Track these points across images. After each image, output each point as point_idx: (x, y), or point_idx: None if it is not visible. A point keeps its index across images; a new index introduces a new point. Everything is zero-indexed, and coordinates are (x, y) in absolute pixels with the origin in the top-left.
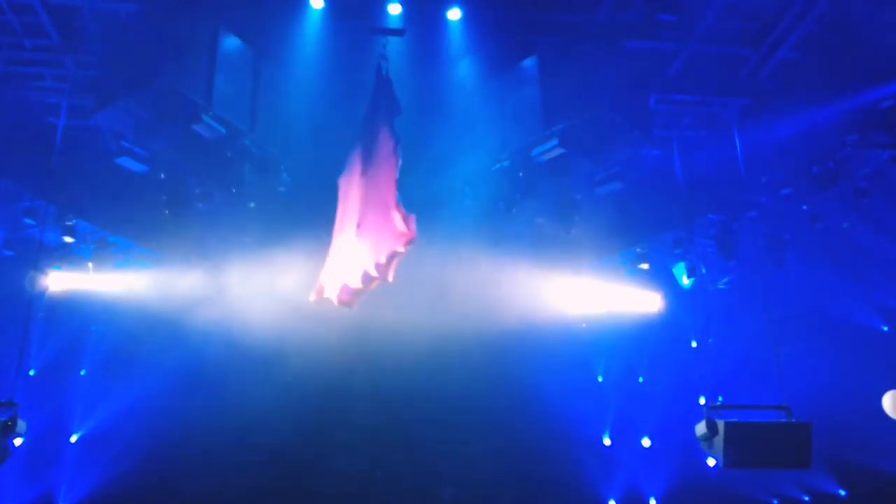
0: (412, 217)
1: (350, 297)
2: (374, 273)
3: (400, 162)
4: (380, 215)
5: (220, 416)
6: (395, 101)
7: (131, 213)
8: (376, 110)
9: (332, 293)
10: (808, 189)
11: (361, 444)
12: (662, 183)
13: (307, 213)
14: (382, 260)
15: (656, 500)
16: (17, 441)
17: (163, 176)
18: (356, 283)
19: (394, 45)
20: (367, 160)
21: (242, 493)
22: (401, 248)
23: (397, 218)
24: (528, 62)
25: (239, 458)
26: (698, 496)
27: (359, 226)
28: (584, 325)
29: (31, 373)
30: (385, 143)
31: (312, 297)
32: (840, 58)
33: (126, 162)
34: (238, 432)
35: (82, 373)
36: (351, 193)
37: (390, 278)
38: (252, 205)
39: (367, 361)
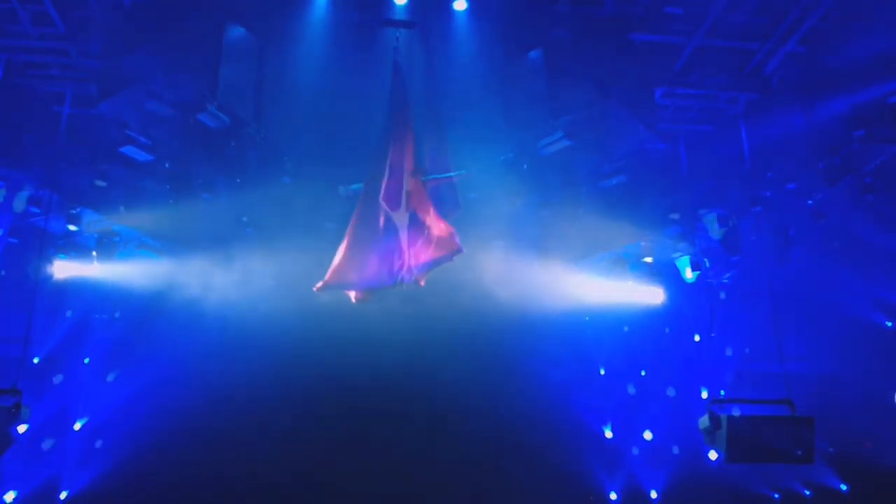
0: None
1: (369, 295)
2: (408, 276)
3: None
4: (425, 221)
5: (223, 405)
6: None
7: (135, 202)
8: (398, 103)
9: (350, 288)
10: (814, 184)
11: (364, 437)
12: (667, 177)
13: (311, 203)
14: (420, 264)
15: (657, 492)
16: (21, 428)
17: (167, 165)
18: (383, 283)
19: (400, 35)
20: (399, 159)
21: (246, 481)
22: (447, 257)
23: (446, 229)
24: (535, 54)
25: (243, 447)
26: (700, 489)
27: (407, 228)
28: (587, 317)
29: (35, 360)
30: (408, 141)
31: (317, 286)
32: (847, 52)
33: (130, 151)
34: (241, 421)
35: (86, 361)
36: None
37: (423, 283)
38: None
39: (371, 353)
